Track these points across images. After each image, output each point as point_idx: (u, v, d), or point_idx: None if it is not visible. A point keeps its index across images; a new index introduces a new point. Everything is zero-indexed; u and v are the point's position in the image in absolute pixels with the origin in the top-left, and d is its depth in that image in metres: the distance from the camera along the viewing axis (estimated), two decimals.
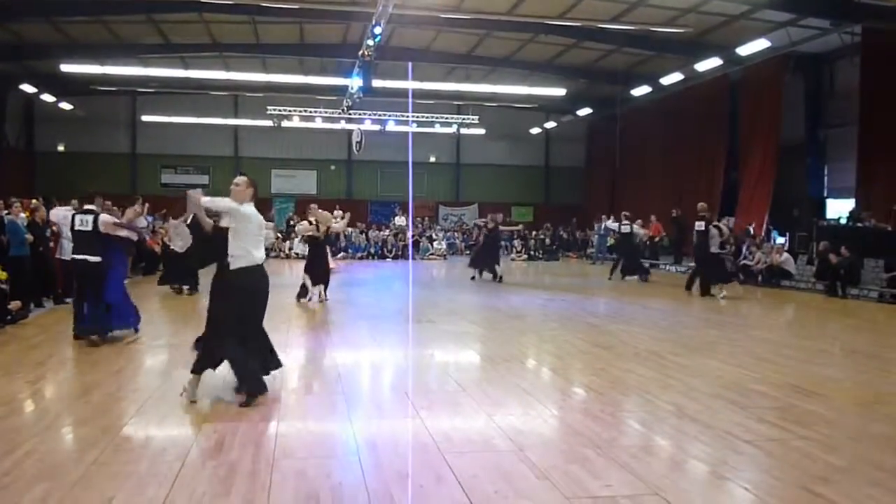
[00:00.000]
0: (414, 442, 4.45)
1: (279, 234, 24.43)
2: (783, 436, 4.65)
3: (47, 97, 24.36)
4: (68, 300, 9.81)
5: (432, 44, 21.07)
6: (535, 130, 29.82)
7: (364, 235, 25.20)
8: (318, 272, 11.37)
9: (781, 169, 19.06)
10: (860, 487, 3.77)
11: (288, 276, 14.75)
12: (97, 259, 7.57)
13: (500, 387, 5.97)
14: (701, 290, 13.34)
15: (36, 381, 6.11)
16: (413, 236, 25.54)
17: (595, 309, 11.89)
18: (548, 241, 26.99)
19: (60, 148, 27.31)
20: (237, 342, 5.33)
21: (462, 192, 30.50)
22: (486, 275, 15.94)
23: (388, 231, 25.78)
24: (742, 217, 19.67)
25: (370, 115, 24.83)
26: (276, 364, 5.75)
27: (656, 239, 21.72)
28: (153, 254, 15.39)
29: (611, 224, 19.61)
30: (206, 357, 5.39)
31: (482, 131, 27.91)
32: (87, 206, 7.73)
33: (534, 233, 27.00)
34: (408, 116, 25.87)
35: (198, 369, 5.37)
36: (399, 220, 26.72)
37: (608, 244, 22.93)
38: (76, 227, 7.66)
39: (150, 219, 15.61)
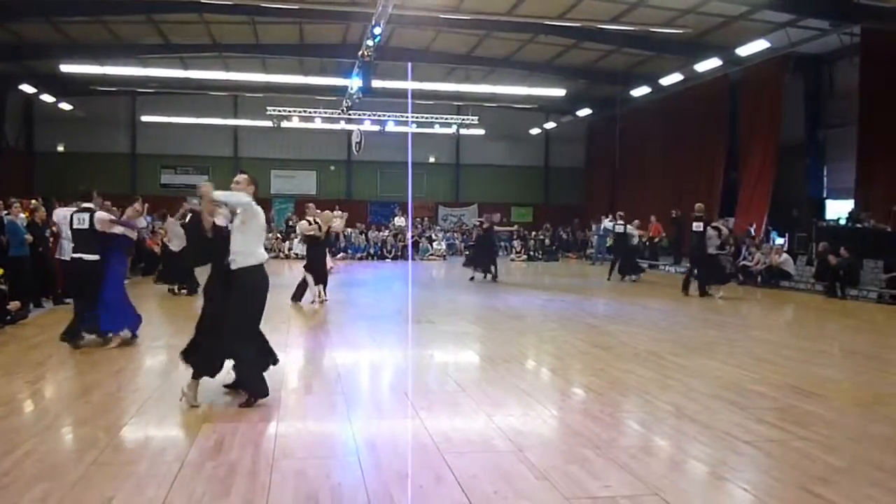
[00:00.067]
0: (413, 442, 4.45)
1: (279, 235, 24.46)
2: (782, 436, 4.65)
3: (47, 97, 24.34)
4: (68, 300, 9.80)
5: (432, 44, 21.07)
6: (535, 131, 29.83)
7: (364, 236, 25.20)
8: (319, 271, 11.39)
9: (781, 169, 19.06)
10: (860, 488, 3.77)
11: (287, 277, 14.74)
12: (95, 257, 7.52)
13: (500, 387, 5.98)
14: (699, 290, 13.35)
15: (36, 381, 6.11)
16: (413, 237, 25.56)
17: (594, 309, 11.89)
18: (547, 241, 27.01)
19: (60, 148, 27.30)
20: (247, 344, 5.32)
21: (462, 192, 30.51)
22: (485, 275, 15.95)
23: (387, 231, 25.78)
24: (742, 217, 19.66)
25: (370, 115, 24.83)
26: (274, 360, 5.74)
27: (656, 239, 21.73)
28: (153, 254, 15.40)
29: (607, 224, 19.63)
30: (206, 361, 5.29)
31: (482, 132, 27.92)
32: (84, 205, 7.71)
33: (533, 233, 27.01)
34: (407, 117, 25.88)
35: (197, 374, 5.28)
36: (399, 221, 26.73)
37: (607, 245, 22.94)
38: (74, 226, 7.65)
39: (149, 219, 15.59)
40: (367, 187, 29.61)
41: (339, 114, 24.35)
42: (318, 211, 11.84)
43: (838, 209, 18.35)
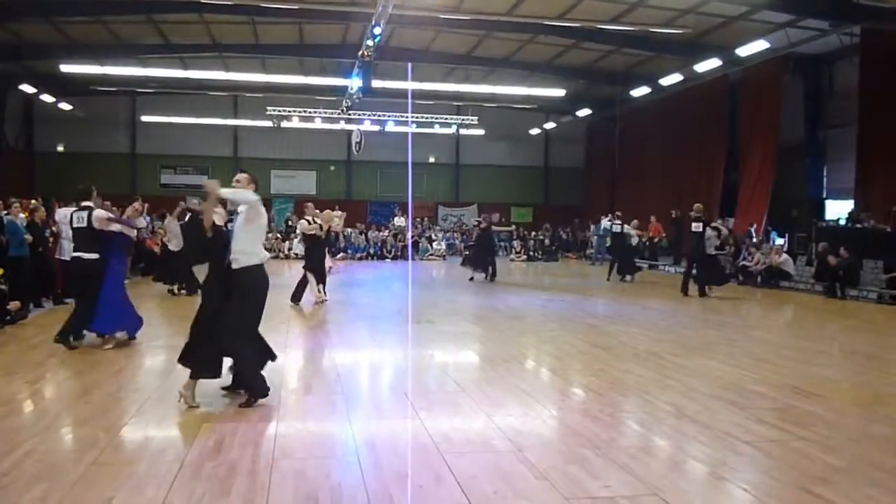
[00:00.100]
0: (413, 442, 4.45)
1: (279, 235, 24.46)
2: (782, 436, 4.65)
3: (47, 97, 24.34)
4: (68, 301, 9.80)
5: (432, 44, 21.08)
6: (535, 131, 29.83)
7: (363, 236, 25.21)
8: (320, 271, 11.39)
9: (781, 169, 19.06)
10: (859, 488, 3.77)
11: (287, 277, 14.74)
12: (94, 256, 7.50)
13: (500, 387, 5.98)
14: (699, 290, 13.36)
15: (35, 381, 6.11)
16: (412, 237, 25.56)
17: (594, 309, 11.89)
18: (547, 241, 27.01)
19: (60, 148, 27.30)
20: (246, 343, 5.32)
21: (461, 192, 30.51)
22: (482, 275, 15.96)
23: (387, 231, 25.79)
24: (741, 217, 19.68)
25: (370, 115, 24.83)
26: (272, 357, 5.73)
27: (656, 240, 21.73)
28: (153, 254, 15.40)
29: (606, 224, 19.64)
30: (206, 362, 5.26)
31: (482, 132, 27.92)
32: (83, 203, 7.70)
33: (533, 233, 27.01)
34: (407, 117, 25.88)
35: (198, 376, 5.25)
36: (398, 221, 26.73)
37: (607, 245, 22.92)
38: (74, 225, 7.65)
39: (148, 219, 15.60)
40: (366, 187, 29.61)
41: (339, 114, 24.35)
42: (318, 210, 11.84)
43: (838, 209, 18.37)
